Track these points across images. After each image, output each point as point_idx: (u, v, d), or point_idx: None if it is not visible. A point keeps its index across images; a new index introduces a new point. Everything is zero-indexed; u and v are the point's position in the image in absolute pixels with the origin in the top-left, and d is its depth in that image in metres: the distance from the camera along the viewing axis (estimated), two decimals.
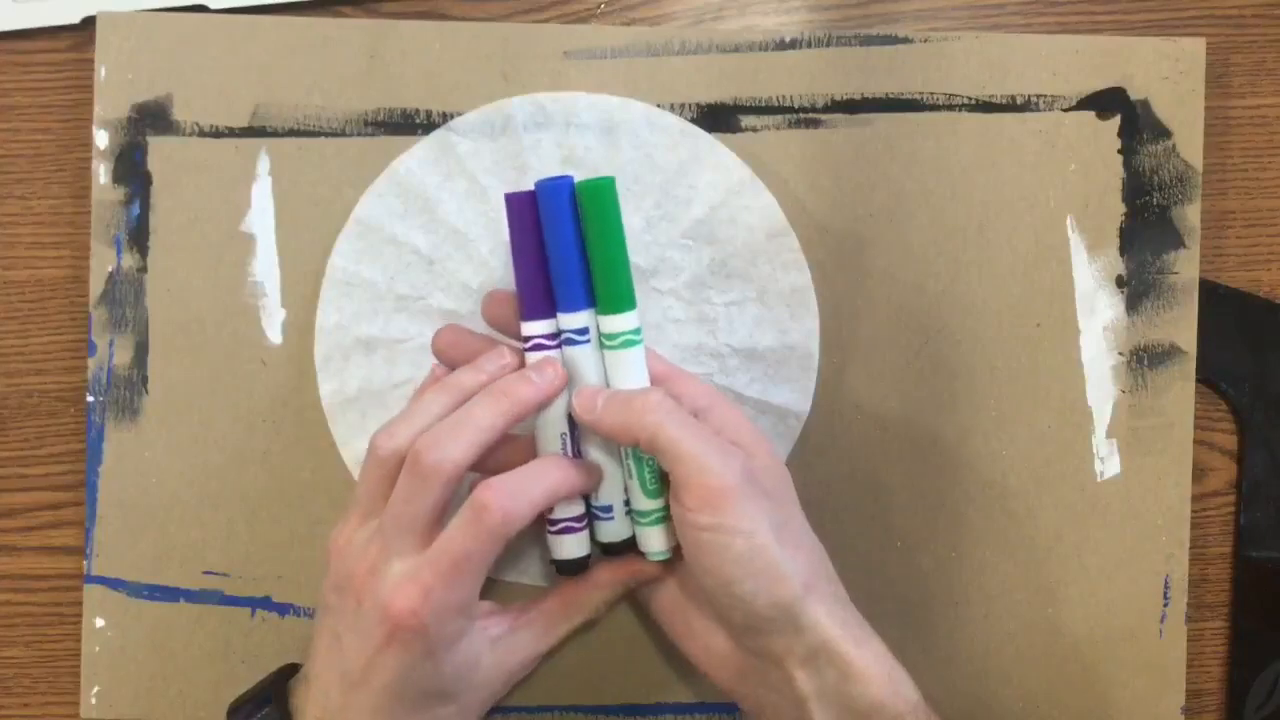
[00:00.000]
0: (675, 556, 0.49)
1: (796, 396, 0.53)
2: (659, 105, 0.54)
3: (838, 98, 0.54)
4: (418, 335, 0.53)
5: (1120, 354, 0.54)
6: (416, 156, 0.53)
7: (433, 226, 0.53)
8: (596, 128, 0.53)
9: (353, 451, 0.53)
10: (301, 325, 0.54)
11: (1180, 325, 0.54)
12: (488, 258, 0.53)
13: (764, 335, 0.53)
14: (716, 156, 0.53)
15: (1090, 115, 0.54)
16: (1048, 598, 0.54)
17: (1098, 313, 0.54)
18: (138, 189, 0.53)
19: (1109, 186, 0.54)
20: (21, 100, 0.55)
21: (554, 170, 0.53)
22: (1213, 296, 0.55)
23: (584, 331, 0.48)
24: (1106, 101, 0.54)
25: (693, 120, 0.54)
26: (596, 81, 0.54)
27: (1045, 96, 0.54)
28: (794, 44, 0.54)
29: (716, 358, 0.53)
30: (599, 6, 0.55)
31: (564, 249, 0.47)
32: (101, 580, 0.53)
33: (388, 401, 0.53)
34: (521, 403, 0.46)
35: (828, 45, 0.54)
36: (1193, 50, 0.54)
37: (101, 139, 0.53)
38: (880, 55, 0.54)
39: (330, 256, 0.53)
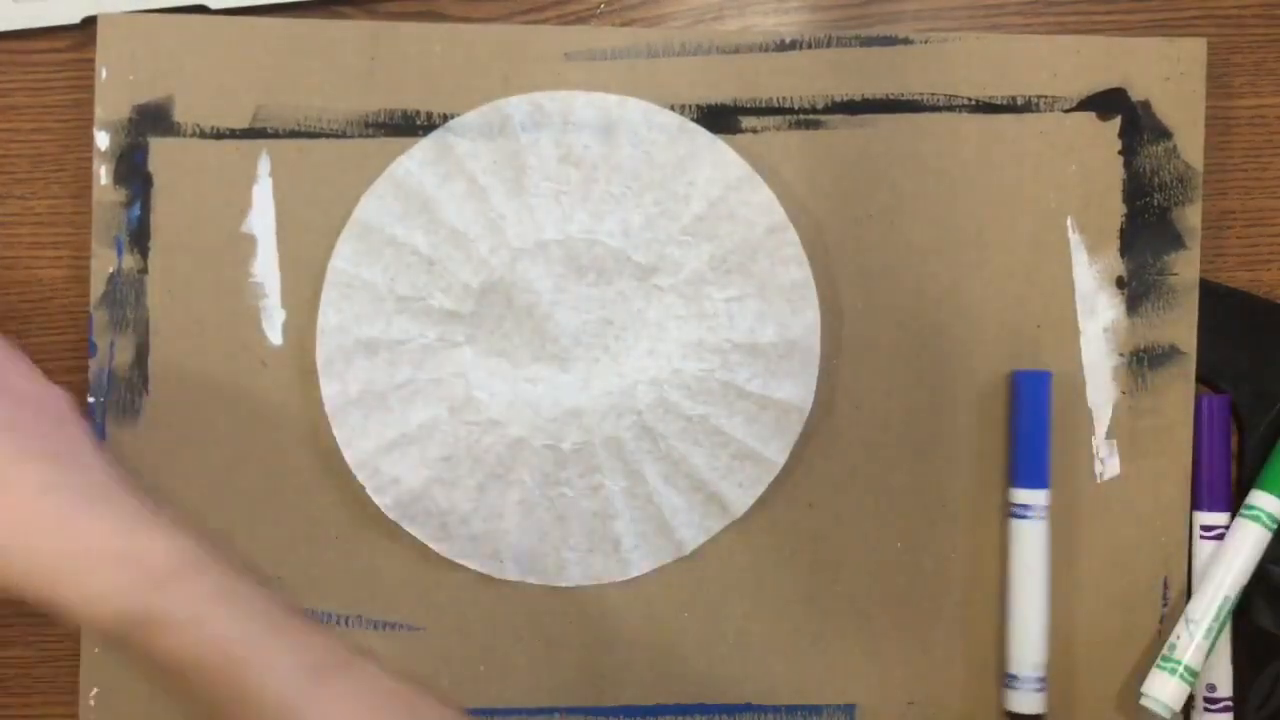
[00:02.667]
0: None
1: (798, 392, 0.53)
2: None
3: (838, 99, 0.54)
4: (419, 336, 0.53)
5: (1120, 355, 0.54)
6: (415, 158, 0.53)
7: (432, 227, 0.53)
8: (595, 126, 0.53)
9: (355, 453, 0.53)
10: (302, 326, 0.54)
11: (1180, 326, 0.54)
12: (487, 257, 0.53)
13: (765, 330, 0.53)
14: (715, 153, 0.53)
15: (1091, 116, 0.54)
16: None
17: (1098, 314, 0.54)
18: (139, 190, 0.53)
19: (1109, 187, 0.54)
20: (21, 100, 0.55)
21: (552, 170, 0.53)
22: (1213, 296, 0.55)
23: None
24: (1107, 102, 0.54)
25: (693, 122, 0.54)
26: (597, 82, 0.54)
27: (1046, 97, 0.54)
28: (794, 45, 0.54)
29: (718, 353, 0.53)
30: (599, 7, 0.55)
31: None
32: None
33: (389, 403, 0.53)
34: None
35: (828, 46, 0.54)
36: (1193, 50, 0.54)
37: (102, 140, 0.53)
38: (880, 56, 0.54)
39: (330, 259, 0.53)
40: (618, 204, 0.53)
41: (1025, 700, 0.53)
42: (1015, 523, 0.53)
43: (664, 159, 0.53)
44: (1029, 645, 0.53)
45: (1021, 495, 0.53)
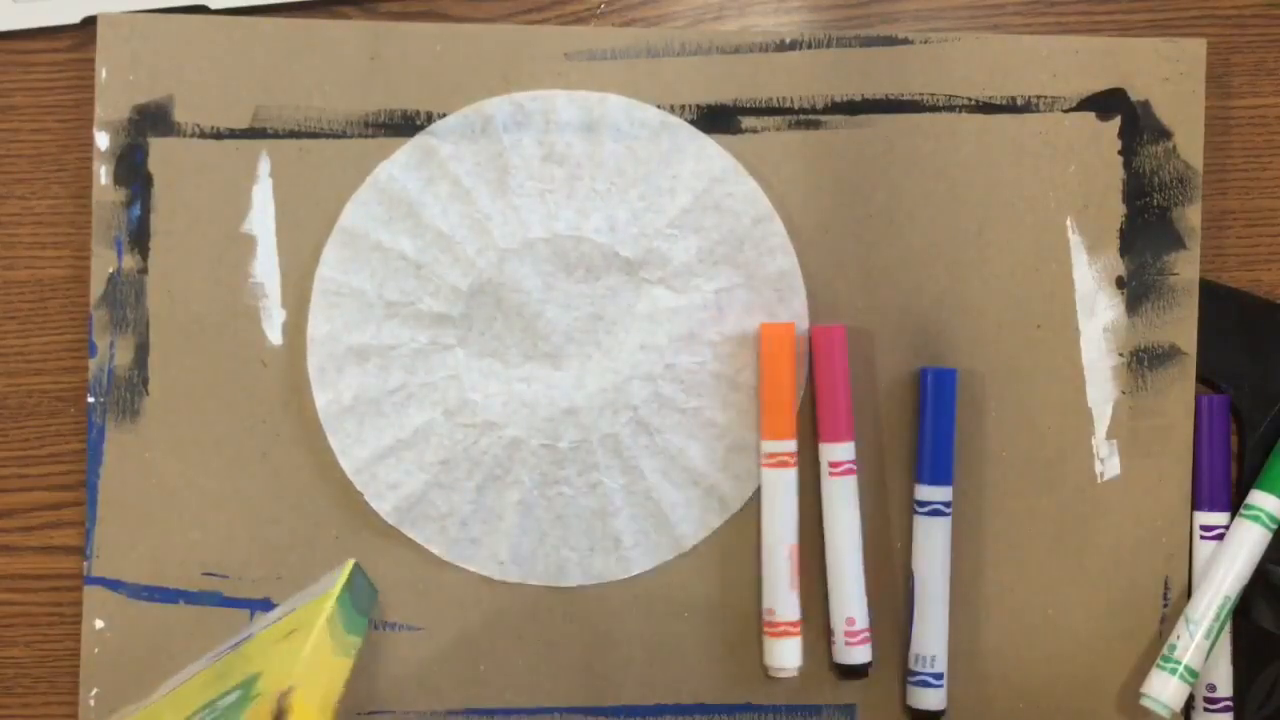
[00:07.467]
0: None
1: None
2: (659, 106, 0.54)
3: (838, 99, 0.54)
4: (409, 341, 0.53)
5: (1120, 355, 0.54)
6: (398, 162, 0.53)
7: (418, 231, 0.53)
8: (577, 124, 0.53)
9: (352, 461, 0.53)
10: (302, 327, 0.54)
11: (1181, 326, 0.54)
12: (475, 259, 0.53)
13: (755, 320, 0.53)
14: (698, 146, 0.53)
15: (1090, 116, 0.54)
16: (1048, 598, 0.54)
17: (1098, 314, 0.54)
18: (139, 190, 0.53)
19: (1109, 187, 0.54)
20: (21, 100, 0.55)
21: (536, 169, 0.53)
22: (1213, 296, 0.55)
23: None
24: (1107, 102, 0.54)
25: (692, 121, 0.54)
26: (597, 82, 0.54)
27: (1045, 98, 0.54)
28: (794, 45, 0.54)
29: (709, 345, 0.53)
30: (599, 7, 0.55)
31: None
32: (101, 581, 0.53)
33: (383, 409, 0.53)
34: None
35: (827, 46, 0.54)
36: (1193, 51, 0.54)
37: (102, 140, 0.53)
38: (880, 56, 0.54)
39: (317, 267, 0.53)
40: (603, 200, 0.53)
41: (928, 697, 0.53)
42: (919, 519, 0.53)
43: (647, 154, 0.53)
44: (932, 639, 0.53)
45: (925, 491, 0.53)
